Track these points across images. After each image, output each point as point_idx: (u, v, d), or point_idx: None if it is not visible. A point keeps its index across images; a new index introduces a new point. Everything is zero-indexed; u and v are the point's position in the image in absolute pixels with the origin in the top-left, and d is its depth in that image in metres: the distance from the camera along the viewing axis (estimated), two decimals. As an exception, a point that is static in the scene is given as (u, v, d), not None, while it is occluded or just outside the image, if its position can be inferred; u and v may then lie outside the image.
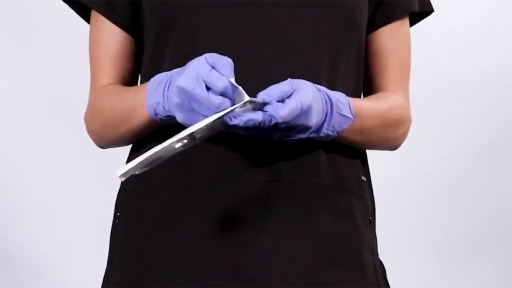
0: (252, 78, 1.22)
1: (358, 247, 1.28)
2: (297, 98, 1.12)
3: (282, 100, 1.12)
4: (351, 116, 1.21)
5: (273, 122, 1.12)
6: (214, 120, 1.10)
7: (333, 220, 1.26)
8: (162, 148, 1.10)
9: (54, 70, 2.53)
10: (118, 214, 1.31)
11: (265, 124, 1.12)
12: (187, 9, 1.25)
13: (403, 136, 1.37)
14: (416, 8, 1.38)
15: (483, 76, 2.63)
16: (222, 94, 1.11)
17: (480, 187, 2.66)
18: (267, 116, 1.11)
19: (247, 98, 1.11)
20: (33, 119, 2.56)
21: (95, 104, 1.34)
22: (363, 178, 1.33)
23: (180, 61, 1.22)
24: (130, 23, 1.33)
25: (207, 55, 1.14)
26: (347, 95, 1.26)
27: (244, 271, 1.21)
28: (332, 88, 1.24)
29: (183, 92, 1.12)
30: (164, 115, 1.19)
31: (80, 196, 2.58)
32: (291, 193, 1.24)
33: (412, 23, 1.41)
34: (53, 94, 2.53)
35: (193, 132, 1.11)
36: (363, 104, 1.26)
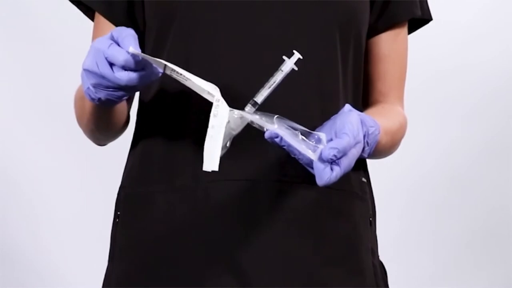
0: (250, 78, 1.22)
1: (357, 248, 1.28)
2: (344, 166, 1.10)
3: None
4: (366, 156, 1.20)
5: (308, 166, 1.11)
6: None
7: (332, 221, 1.26)
8: (227, 123, 1.09)
9: (54, 70, 2.53)
10: (118, 213, 1.31)
11: (301, 161, 1.11)
12: (187, 8, 1.25)
13: None
14: (419, 13, 1.38)
15: (479, 75, 2.63)
16: (125, 67, 1.07)
17: (479, 186, 2.66)
18: (310, 160, 1.10)
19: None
20: (33, 119, 2.56)
21: (74, 97, 1.34)
22: (364, 179, 1.33)
23: (177, 59, 1.22)
24: (128, 22, 1.33)
25: (113, 30, 1.11)
26: (348, 99, 1.27)
27: (242, 271, 1.21)
28: (331, 91, 1.25)
29: (91, 74, 1.10)
30: (97, 100, 1.14)
31: (80, 195, 2.58)
32: (291, 194, 1.24)
33: (409, 32, 1.41)
34: (53, 94, 2.53)
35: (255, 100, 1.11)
36: (383, 131, 1.23)
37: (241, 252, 1.21)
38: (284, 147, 1.10)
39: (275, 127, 1.10)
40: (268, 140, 1.10)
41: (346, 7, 1.27)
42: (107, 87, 1.10)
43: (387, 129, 1.25)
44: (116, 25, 1.33)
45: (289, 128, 1.11)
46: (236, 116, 1.11)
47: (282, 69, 1.13)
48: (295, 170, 1.23)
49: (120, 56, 1.07)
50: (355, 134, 1.11)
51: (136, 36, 1.09)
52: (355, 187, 1.29)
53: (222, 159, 1.20)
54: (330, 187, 1.24)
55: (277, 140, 1.09)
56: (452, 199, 2.66)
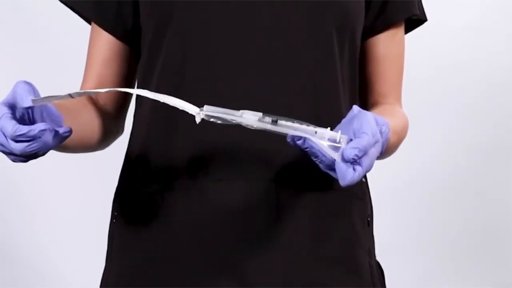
0: (247, 79, 1.22)
1: (354, 248, 1.28)
2: (366, 166, 1.09)
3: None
4: (379, 155, 1.18)
5: (330, 168, 1.10)
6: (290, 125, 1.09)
7: (331, 222, 1.26)
8: (237, 122, 1.09)
9: (54, 70, 2.53)
10: (115, 213, 1.31)
11: (322, 163, 1.10)
12: (183, 7, 1.25)
13: None
14: (417, 12, 1.38)
15: (477, 75, 2.64)
16: (15, 140, 1.04)
17: (475, 186, 2.66)
18: (331, 162, 1.09)
19: (329, 134, 1.08)
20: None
21: None
22: (363, 179, 1.33)
23: (174, 60, 1.22)
24: (118, 25, 1.33)
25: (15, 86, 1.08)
26: (346, 100, 1.27)
27: (241, 271, 1.21)
28: (330, 91, 1.25)
29: None
30: None
31: (80, 195, 2.58)
32: (290, 194, 1.24)
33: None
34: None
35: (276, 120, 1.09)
36: (391, 131, 1.21)
37: (240, 252, 1.21)
38: (307, 149, 1.09)
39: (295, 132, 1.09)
40: (291, 143, 1.10)
41: (342, 8, 1.27)
42: (10, 153, 1.08)
43: (394, 128, 1.25)
44: (105, 28, 1.33)
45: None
46: (252, 117, 1.09)
47: (317, 131, 1.09)
48: (294, 170, 1.23)
49: (9, 128, 1.04)
50: (374, 133, 1.10)
51: (28, 88, 1.06)
52: (355, 187, 1.29)
53: (224, 159, 1.20)
54: (330, 187, 1.25)
55: (299, 142, 1.09)
56: (448, 198, 2.66)
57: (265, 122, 1.09)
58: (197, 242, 1.22)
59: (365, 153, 1.08)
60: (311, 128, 1.09)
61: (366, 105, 1.38)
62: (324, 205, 1.25)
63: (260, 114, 1.09)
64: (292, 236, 1.23)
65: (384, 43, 1.36)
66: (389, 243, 2.20)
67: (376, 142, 1.10)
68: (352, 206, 1.29)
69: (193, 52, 1.24)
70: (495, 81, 2.63)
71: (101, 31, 1.34)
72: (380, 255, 1.35)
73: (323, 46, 1.26)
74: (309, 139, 1.08)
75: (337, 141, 1.09)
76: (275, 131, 1.09)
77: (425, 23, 1.42)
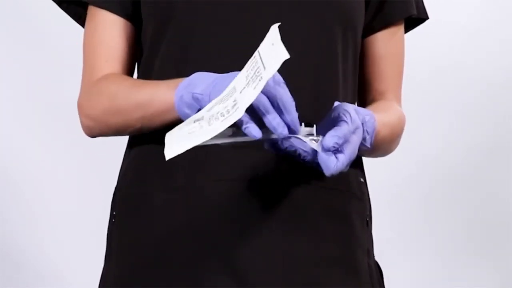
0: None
1: (353, 248, 1.28)
2: (348, 153, 1.09)
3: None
4: (369, 146, 1.19)
5: (314, 163, 1.10)
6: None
7: (329, 221, 1.26)
8: (214, 137, 1.05)
9: (54, 71, 2.54)
10: (114, 213, 1.31)
11: (306, 159, 1.10)
12: (181, 11, 1.24)
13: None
14: (414, 12, 1.38)
15: (473, 74, 2.64)
16: None
17: (473, 186, 2.66)
18: (314, 156, 1.09)
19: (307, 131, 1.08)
20: (33, 119, 2.56)
21: (102, 89, 1.29)
22: (362, 179, 1.33)
23: (174, 59, 1.22)
24: (130, 12, 1.32)
25: None
26: (347, 99, 1.27)
27: (239, 271, 1.21)
28: (331, 91, 1.25)
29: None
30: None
31: (80, 195, 2.58)
32: (287, 193, 1.24)
33: (406, 31, 1.41)
34: (53, 95, 2.53)
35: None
36: (381, 123, 1.23)
37: (238, 252, 1.21)
38: (287, 149, 1.09)
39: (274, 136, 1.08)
40: (272, 149, 1.10)
41: (344, 7, 1.27)
42: None
43: (385, 121, 1.25)
44: (119, 14, 1.31)
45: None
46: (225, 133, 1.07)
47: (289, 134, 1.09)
48: (291, 169, 1.23)
49: None
50: (353, 120, 1.11)
51: None
52: (353, 187, 1.29)
53: (222, 159, 1.20)
54: (327, 187, 1.25)
55: (278, 144, 1.09)
56: (448, 198, 2.66)
57: (239, 135, 1.07)
58: (196, 242, 1.22)
59: (345, 140, 1.08)
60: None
61: (364, 103, 1.38)
62: (323, 205, 1.25)
63: (231, 128, 1.07)
64: (292, 236, 1.23)
65: (382, 42, 1.36)
66: (388, 243, 2.21)
67: (356, 128, 1.11)
68: (351, 206, 1.29)
69: (193, 54, 1.24)
70: (495, 81, 2.63)
71: (112, 17, 1.31)
72: (379, 255, 1.35)
73: (326, 45, 1.26)
74: (286, 139, 1.07)
75: (315, 134, 1.09)
76: (251, 141, 1.07)
77: (425, 23, 1.42)
